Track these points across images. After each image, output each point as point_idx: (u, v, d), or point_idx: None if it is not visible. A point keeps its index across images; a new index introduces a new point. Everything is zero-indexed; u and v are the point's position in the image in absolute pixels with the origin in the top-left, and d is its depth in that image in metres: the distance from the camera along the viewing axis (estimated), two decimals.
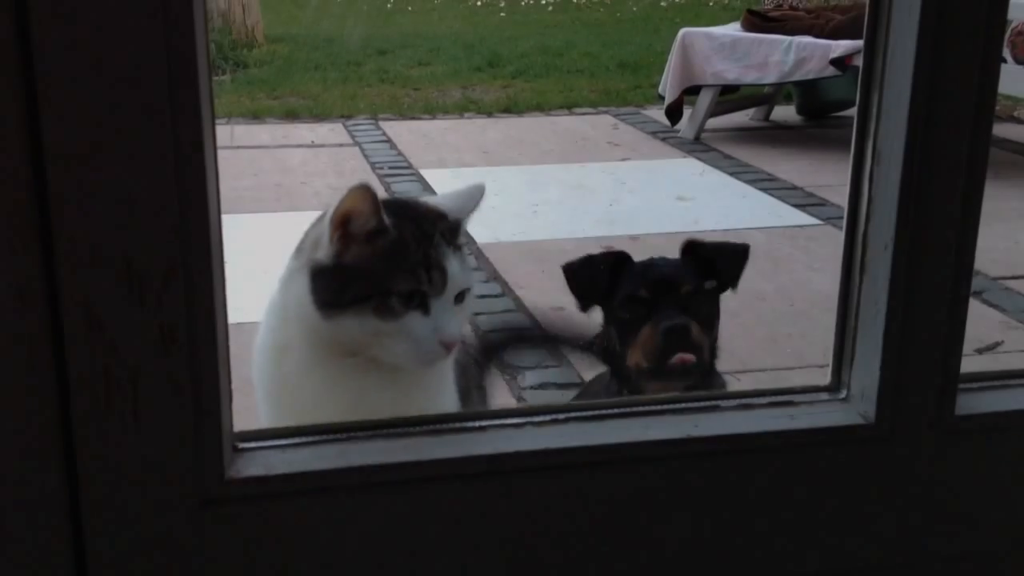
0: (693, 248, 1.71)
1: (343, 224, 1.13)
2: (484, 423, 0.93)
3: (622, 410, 0.95)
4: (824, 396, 0.99)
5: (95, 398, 0.77)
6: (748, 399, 0.97)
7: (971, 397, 1.00)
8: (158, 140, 0.73)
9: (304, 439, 0.88)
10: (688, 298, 1.63)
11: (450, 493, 0.88)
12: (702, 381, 1.64)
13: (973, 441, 0.99)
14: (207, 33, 0.73)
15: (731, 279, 1.71)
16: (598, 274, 1.69)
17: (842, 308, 0.98)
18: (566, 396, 2.60)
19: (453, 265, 1.15)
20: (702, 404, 0.96)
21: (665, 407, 0.95)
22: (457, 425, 0.92)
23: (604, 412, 0.94)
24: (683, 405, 0.95)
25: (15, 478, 0.79)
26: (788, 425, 0.95)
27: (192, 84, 0.73)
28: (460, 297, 1.17)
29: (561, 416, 0.93)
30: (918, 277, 0.92)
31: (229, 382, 0.84)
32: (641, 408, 0.95)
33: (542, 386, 2.77)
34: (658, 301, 1.62)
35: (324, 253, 1.15)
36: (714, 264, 1.69)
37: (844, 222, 0.96)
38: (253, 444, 0.86)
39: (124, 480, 0.80)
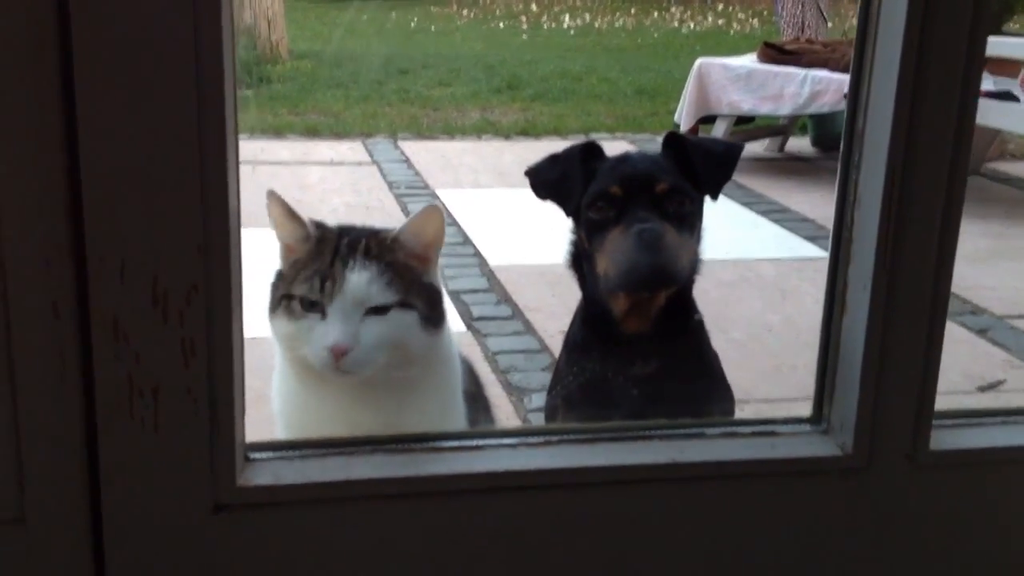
0: (675, 141, 1.49)
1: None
2: (481, 442, 0.98)
3: (612, 434, 1.01)
4: (805, 427, 1.04)
5: (119, 406, 0.84)
6: (733, 427, 1.03)
7: (946, 433, 1.05)
8: (185, 165, 0.80)
9: (311, 451, 0.94)
10: (664, 198, 1.40)
11: (446, 508, 0.94)
12: (678, 303, 1.44)
13: (947, 475, 1.04)
14: (235, 77, 0.79)
15: (711, 183, 1.47)
16: (571, 167, 1.47)
17: (823, 344, 1.03)
18: None
19: (354, 278, 1.20)
20: (688, 431, 1.01)
21: (652, 432, 1.01)
22: (455, 443, 0.98)
23: (595, 436, 0.99)
24: (669, 432, 1.01)
25: (41, 478, 0.85)
26: (769, 454, 1.01)
27: (219, 114, 0.79)
28: (377, 311, 1.21)
29: (554, 438, 0.99)
30: (895, 317, 0.97)
31: (243, 395, 0.90)
32: (630, 433, 1.00)
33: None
34: (631, 200, 1.41)
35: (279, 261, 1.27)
36: (693, 163, 1.45)
37: (828, 262, 1.02)
38: (264, 455, 0.92)
39: (142, 484, 0.86)
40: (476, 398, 1.41)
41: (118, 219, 0.79)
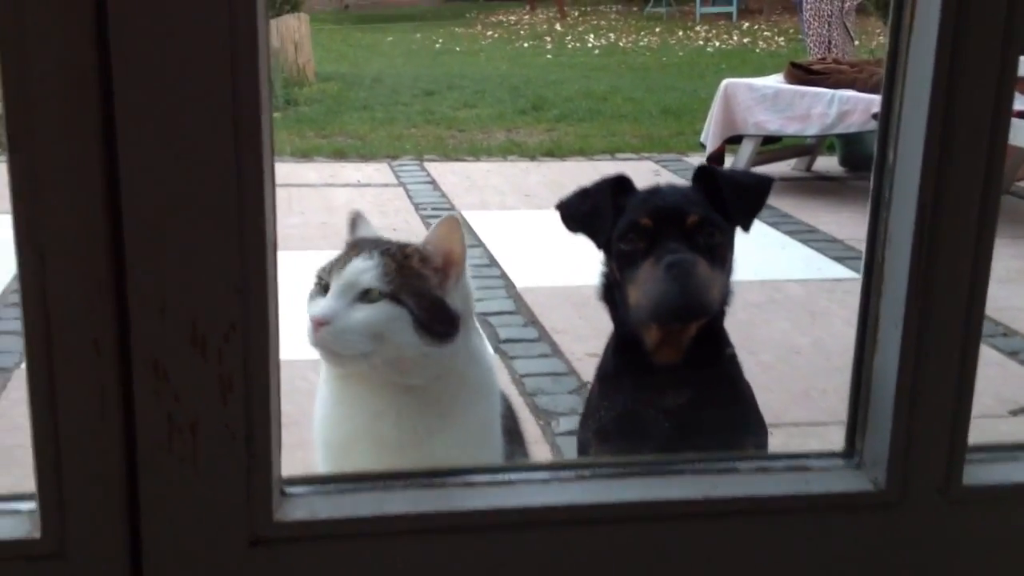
0: (706, 174, 1.52)
1: None
2: (514, 476, 0.99)
3: (645, 468, 1.01)
4: (838, 462, 1.04)
5: (158, 442, 0.85)
6: (765, 462, 1.03)
7: (979, 467, 1.05)
8: (223, 209, 0.81)
9: (346, 486, 0.95)
10: (695, 230, 1.42)
11: (479, 542, 0.94)
12: (710, 334, 1.45)
13: (979, 510, 1.04)
14: (272, 124, 0.81)
15: (742, 215, 1.48)
16: (601, 200, 1.49)
17: (855, 379, 1.03)
18: None
19: (355, 264, 1.29)
20: (721, 466, 1.02)
21: (685, 467, 1.01)
22: (488, 478, 0.98)
23: (627, 470, 1.00)
24: (702, 466, 1.01)
25: (82, 513, 0.86)
26: (803, 489, 1.01)
27: (257, 161, 0.81)
28: (367, 297, 1.28)
29: (587, 472, 1.00)
30: (927, 354, 0.97)
31: (279, 430, 0.91)
32: (663, 468, 1.01)
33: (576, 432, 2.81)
34: (662, 232, 1.42)
35: None
36: (724, 196, 1.47)
37: (859, 299, 1.02)
38: (300, 489, 0.93)
39: (181, 518, 0.87)
40: (513, 434, 1.43)
41: (158, 261, 0.80)
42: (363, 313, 1.25)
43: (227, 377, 0.84)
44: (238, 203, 0.81)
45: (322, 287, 1.30)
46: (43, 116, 0.78)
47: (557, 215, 1.52)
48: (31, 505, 0.88)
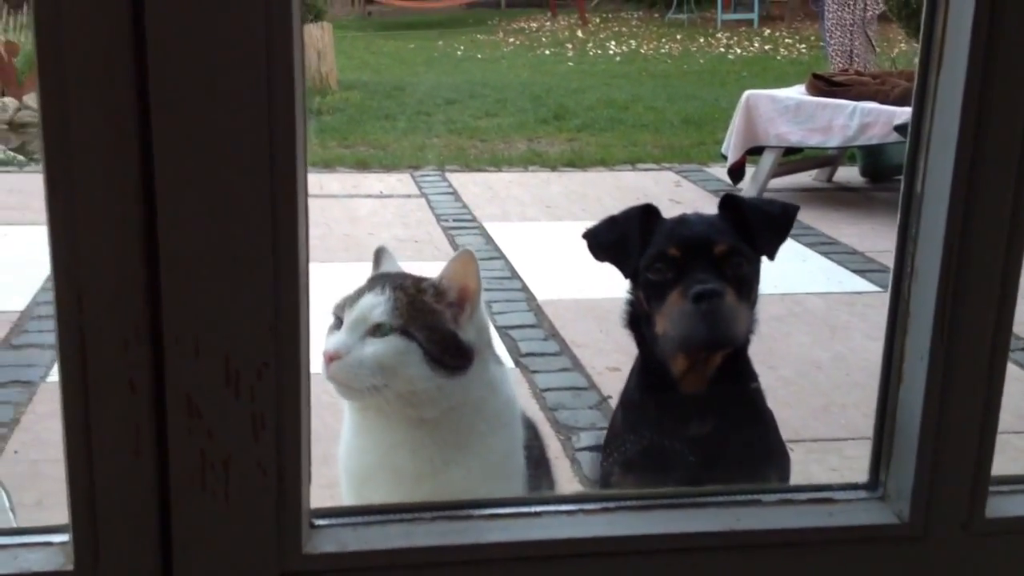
0: (732, 203, 1.53)
1: None
2: (539, 508, 1.00)
3: (669, 501, 1.02)
4: (862, 494, 1.05)
5: (191, 478, 0.86)
6: (788, 494, 1.04)
7: (1003, 500, 1.05)
8: (258, 251, 0.83)
9: (374, 518, 0.96)
10: (722, 259, 1.44)
11: (505, 575, 0.95)
12: (735, 363, 1.47)
13: (1003, 543, 1.04)
14: (306, 168, 0.82)
15: (768, 244, 1.50)
16: (629, 229, 1.50)
17: (880, 411, 1.04)
18: None
19: (366, 299, 1.32)
20: (744, 498, 1.02)
21: (709, 500, 1.02)
22: (514, 510, 0.99)
23: (651, 503, 1.01)
24: (726, 499, 1.02)
25: (116, 547, 0.88)
26: (827, 522, 1.01)
27: (292, 206, 0.82)
28: (378, 331, 1.30)
29: (611, 504, 1.01)
30: (952, 388, 0.97)
31: (309, 463, 0.93)
32: (686, 500, 1.02)
33: (596, 448, 2.82)
34: (689, 261, 1.44)
35: None
36: (750, 224, 1.49)
37: (884, 332, 1.02)
38: (328, 521, 0.95)
39: (213, 552, 0.89)
40: (540, 463, 1.44)
41: (193, 302, 0.82)
42: (373, 347, 1.28)
43: (259, 415, 0.86)
44: (272, 243, 0.83)
45: (337, 322, 1.33)
46: (82, 158, 0.79)
47: (584, 243, 1.53)
48: (64, 537, 0.90)
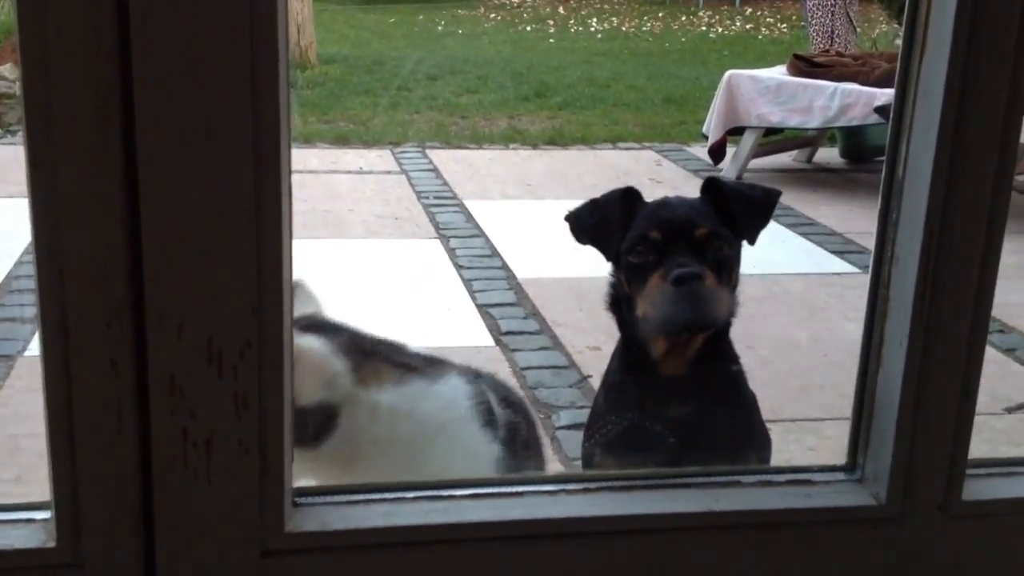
0: (714, 187, 1.53)
1: None
2: (521, 488, 1.00)
3: (649, 482, 1.03)
4: (840, 476, 1.06)
5: (173, 457, 0.86)
6: (768, 476, 1.05)
7: (980, 483, 1.06)
8: (241, 232, 0.82)
9: (356, 497, 0.96)
10: (704, 243, 1.45)
11: (486, 554, 0.96)
12: (715, 346, 1.48)
13: (979, 525, 1.05)
14: (290, 151, 0.82)
15: (749, 229, 1.51)
16: (611, 212, 1.51)
17: (859, 394, 1.05)
18: None
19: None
20: (724, 479, 1.03)
21: (689, 480, 1.03)
22: (495, 490, 1.00)
23: (632, 483, 1.01)
24: (705, 479, 1.03)
25: (98, 526, 0.88)
26: (805, 503, 1.02)
27: (275, 186, 0.82)
28: None
29: (592, 485, 1.01)
30: (930, 372, 0.98)
31: (292, 443, 0.93)
32: (667, 481, 1.02)
33: (576, 426, 2.83)
34: (670, 244, 1.44)
35: None
36: (731, 209, 1.49)
37: (864, 315, 1.03)
38: (311, 500, 0.95)
39: (195, 530, 0.89)
40: (529, 443, 1.44)
41: (176, 283, 0.82)
42: None
43: (242, 394, 0.86)
44: (255, 224, 0.82)
45: None
46: (64, 135, 0.79)
47: (566, 226, 1.53)
48: (46, 515, 0.89)
